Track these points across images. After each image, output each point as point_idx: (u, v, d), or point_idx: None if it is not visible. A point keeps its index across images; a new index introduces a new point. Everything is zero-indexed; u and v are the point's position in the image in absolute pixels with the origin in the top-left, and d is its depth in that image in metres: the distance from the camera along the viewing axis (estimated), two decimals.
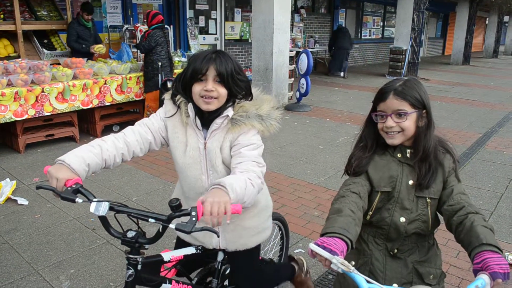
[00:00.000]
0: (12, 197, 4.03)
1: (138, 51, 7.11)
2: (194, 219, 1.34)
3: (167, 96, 1.79)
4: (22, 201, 3.97)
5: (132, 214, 1.49)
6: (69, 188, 1.47)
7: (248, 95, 1.74)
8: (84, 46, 6.87)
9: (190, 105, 1.70)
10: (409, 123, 1.55)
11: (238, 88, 1.68)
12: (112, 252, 3.18)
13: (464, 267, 3.06)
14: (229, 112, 1.68)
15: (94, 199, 1.47)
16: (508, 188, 4.56)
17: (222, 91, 1.65)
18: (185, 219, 1.38)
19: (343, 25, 15.91)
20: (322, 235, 1.39)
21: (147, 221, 1.46)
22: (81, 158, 1.56)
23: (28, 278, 2.85)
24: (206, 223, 1.36)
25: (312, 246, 1.28)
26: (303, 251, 3.24)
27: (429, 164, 1.57)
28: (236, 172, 1.60)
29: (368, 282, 1.23)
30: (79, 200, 1.45)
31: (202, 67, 1.62)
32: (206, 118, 1.72)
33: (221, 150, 1.71)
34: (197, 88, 1.64)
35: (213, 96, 1.63)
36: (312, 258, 1.31)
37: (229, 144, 1.71)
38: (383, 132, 1.59)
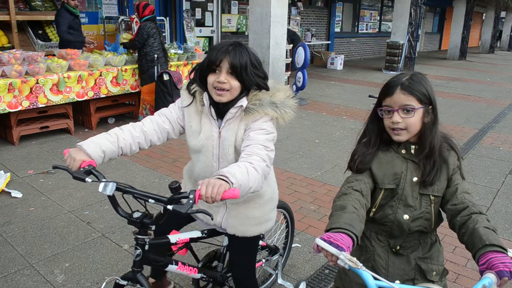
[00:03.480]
0: (6, 189, 3.99)
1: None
2: (191, 201, 1.39)
3: (183, 87, 1.85)
4: (16, 193, 3.93)
5: (135, 194, 1.57)
6: (81, 169, 1.58)
7: (263, 89, 1.76)
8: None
9: (205, 94, 1.75)
10: (416, 119, 1.51)
11: (252, 81, 1.71)
12: (107, 245, 3.16)
13: (461, 263, 3.07)
14: (243, 102, 1.72)
15: (103, 180, 1.55)
16: (504, 183, 4.57)
17: (235, 84, 1.68)
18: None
19: (341, 18, 15.87)
20: (327, 230, 1.36)
21: (147, 201, 1.56)
22: (97, 145, 1.66)
23: (23, 272, 2.83)
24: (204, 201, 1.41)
25: (318, 241, 1.26)
26: (300, 245, 3.23)
27: (433, 161, 1.54)
28: (242, 155, 1.63)
29: (375, 279, 1.21)
30: (88, 179, 1.55)
31: (217, 59, 1.66)
32: (221, 108, 1.76)
33: (236, 138, 1.75)
34: (211, 79, 1.69)
35: (225, 88, 1.67)
36: (318, 253, 1.29)
37: (244, 131, 1.75)
38: (389, 128, 1.56)
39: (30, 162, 4.82)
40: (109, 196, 1.58)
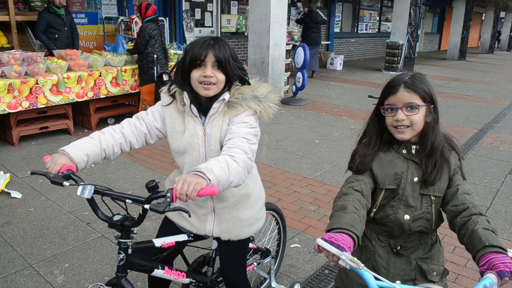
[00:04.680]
0: (6, 190, 3.99)
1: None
2: (168, 200, 1.36)
3: (163, 89, 1.82)
4: (15, 194, 3.93)
5: (113, 196, 1.55)
6: (60, 174, 1.54)
7: (244, 82, 1.76)
8: (56, 36, 6.51)
9: (185, 93, 1.72)
10: (419, 117, 1.52)
11: (235, 74, 1.70)
12: (107, 246, 3.16)
13: (460, 263, 3.07)
14: (226, 95, 1.70)
15: (81, 183, 1.53)
16: (503, 183, 4.57)
17: (221, 77, 1.67)
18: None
19: (340, 18, 15.86)
20: (328, 230, 1.36)
21: (125, 202, 1.53)
22: (80, 149, 1.64)
23: (22, 272, 2.82)
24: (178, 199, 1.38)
25: (320, 241, 1.26)
26: (300, 245, 3.23)
27: (435, 161, 1.54)
28: (224, 148, 1.61)
29: (376, 279, 1.21)
30: (66, 183, 1.53)
31: (201, 53, 1.64)
32: (204, 105, 1.73)
33: (221, 134, 1.72)
34: (195, 74, 1.66)
35: (212, 82, 1.65)
36: (319, 253, 1.29)
37: (227, 126, 1.72)
38: (392, 127, 1.56)
39: (29, 162, 4.82)
40: (88, 200, 1.55)
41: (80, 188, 1.51)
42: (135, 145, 1.82)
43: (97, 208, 1.61)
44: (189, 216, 1.42)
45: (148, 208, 1.41)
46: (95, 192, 1.54)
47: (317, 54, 11.61)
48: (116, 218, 1.61)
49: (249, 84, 1.77)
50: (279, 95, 1.83)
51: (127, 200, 1.52)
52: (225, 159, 1.50)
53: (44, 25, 6.40)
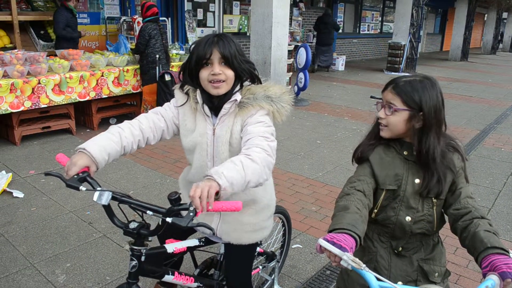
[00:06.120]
0: (8, 189, 4.00)
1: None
2: (192, 214, 1.31)
3: (176, 86, 1.81)
4: (17, 193, 3.94)
5: (132, 204, 1.49)
6: (75, 176, 1.47)
7: (254, 78, 1.74)
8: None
9: (198, 91, 1.71)
10: (397, 120, 1.52)
11: (243, 69, 1.68)
12: (108, 246, 3.16)
13: (462, 264, 3.06)
14: (237, 96, 1.68)
15: (98, 188, 1.47)
16: (506, 185, 4.56)
17: (229, 73, 1.65)
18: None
19: (342, 18, 15.86)
20: (330, 231, 1.36)
21: (145, 213, 1.47)
22: (102, 147, 1.58)
23: (24, 272, 2.83)
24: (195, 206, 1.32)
25: (321, 241, 1.25)
26: (301, 246, 3.23)
27: (433, 170, 1.51)
28: (242, 150, 1.57)
29: (378, 280, 1.21)
30: (83, 188, 1.45)
31: (206, 52, 1.62)
32: (216, 104, 1.71)
33: (232, 134, 1.70)
34: (204, 74, 1.64)
35: (221, 80, 1.64)
36: (321, 254, 1.29)
37: (240, 127, 1.70)
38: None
39: (31, 162, 4.83)
40: (104, 206, 1.51)
41: (96, 194, 1.46)
42: (152, 141, 1.79)
43: (113, 215, 1.57)
44: (213, 234, 1.37)
45: (170, 221, 1.35)
46: (113, 198, 1.49)
47: (326, 52, 12.62)
48: (132, 225, 1.56)
49: (260, 81, 1.76)
50: (293, 95, 1.81)
51: (147, 212, 1.47)
52: (240, 159, 1.46)
53: (65, 23, 6.42)
